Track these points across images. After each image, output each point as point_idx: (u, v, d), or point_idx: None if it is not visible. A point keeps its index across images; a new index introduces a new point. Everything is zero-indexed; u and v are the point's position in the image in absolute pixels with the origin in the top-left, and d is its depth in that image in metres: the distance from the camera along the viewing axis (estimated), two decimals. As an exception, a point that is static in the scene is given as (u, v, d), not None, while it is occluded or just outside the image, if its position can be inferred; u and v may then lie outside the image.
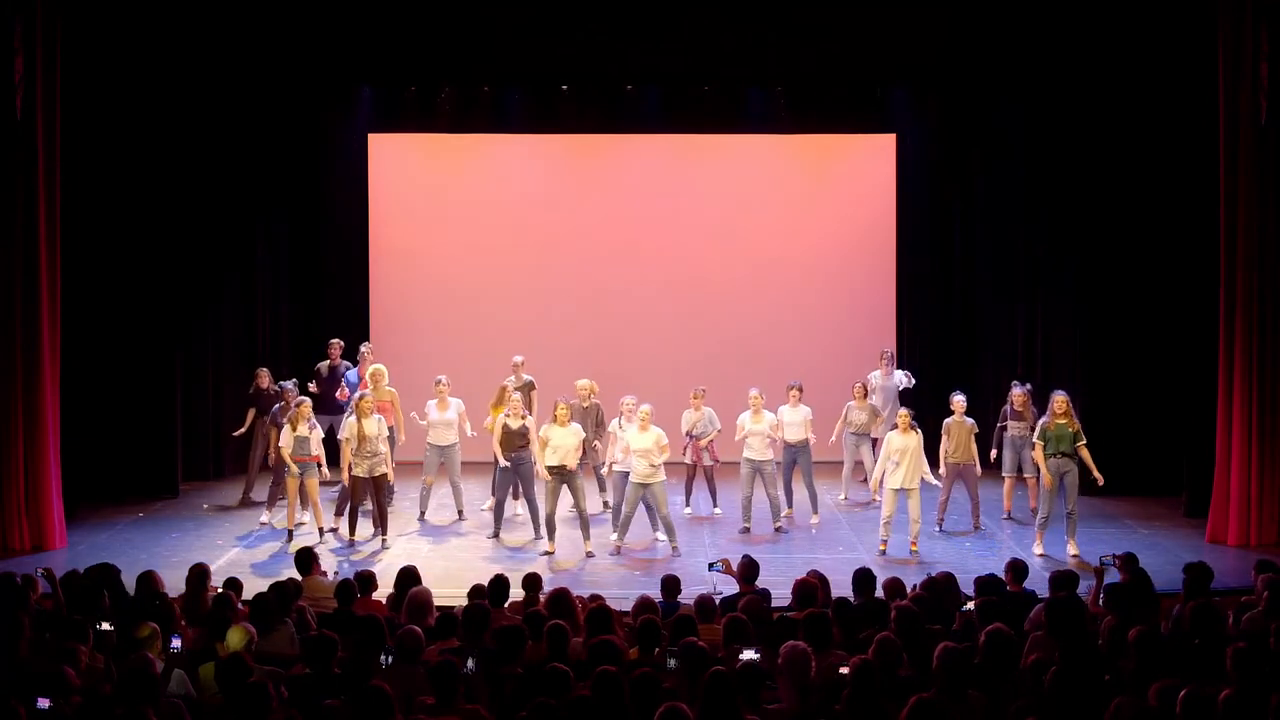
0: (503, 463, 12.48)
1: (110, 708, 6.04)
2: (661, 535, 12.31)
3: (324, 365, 14.33)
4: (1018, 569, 8.99)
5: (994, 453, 13.37)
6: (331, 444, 13.06)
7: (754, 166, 16.35)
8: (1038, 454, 11.90)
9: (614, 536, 12.29)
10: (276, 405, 13.27)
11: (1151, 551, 11.45)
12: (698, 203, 16.31)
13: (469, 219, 16.31)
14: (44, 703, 6.15)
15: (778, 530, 12.82)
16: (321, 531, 12.47)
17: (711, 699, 6.03)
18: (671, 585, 8.81)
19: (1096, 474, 11.85)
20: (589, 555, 11.97)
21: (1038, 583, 9.25)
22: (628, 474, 12.44)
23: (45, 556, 11.49)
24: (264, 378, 13.84)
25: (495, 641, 7.18)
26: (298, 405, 12.46)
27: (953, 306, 16.16)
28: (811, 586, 8.32)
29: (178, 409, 14.50)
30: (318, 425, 12.62)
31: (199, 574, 8.74)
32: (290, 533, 12.37)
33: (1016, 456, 13.14)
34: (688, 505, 13.53)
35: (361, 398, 12.40)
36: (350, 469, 12.21)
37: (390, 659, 6.94)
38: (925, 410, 13.74)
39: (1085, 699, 6.09)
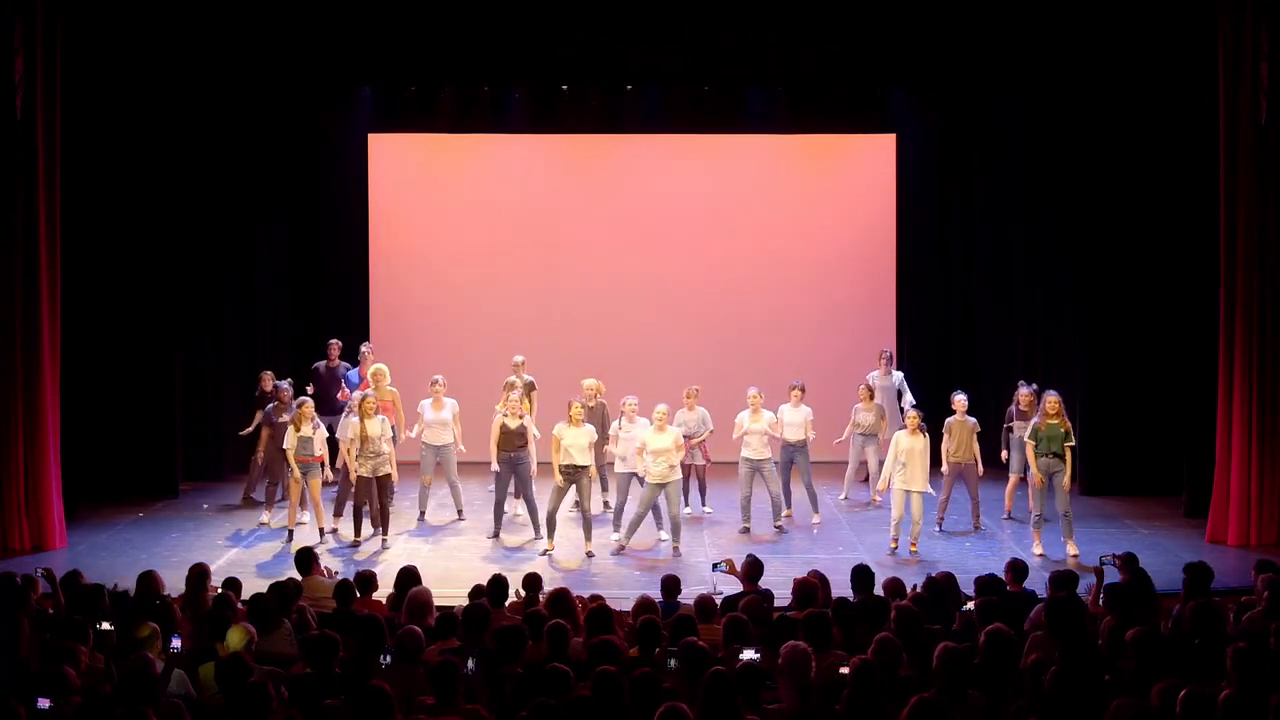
0: (494, 466, 12.47)
1: (110, 708, 6.04)
2: (665, 535, 12.31)
3: (322, 365, 14.33)
4: (1018, 569, 8.98)
5: (1005, 454, 13.36)
6: (330, 444, 13.06)
7: (754, 166, 16.36)
8: (1029, 453, 11.96)
9: (616, 536, 12.29)
10: (270, 405, 13.27)
11: (1151, 551, 11.45)
12: (697, 203, 16.31)
13: (469, 219, 16.32)
14: (44, 703, 6.15)
15: (778, 530, 12.82)
16: (322, 532, 12.47)
17: (711, 699, 6.03)
18: (671, 585, 8.81)
19: (1067, 477, 11.84)
20: (589, 555, 11.97)
21: (1038, 583, 9.26)
22: (632, 475, 12.44)
23: (45, 556, 11.48)
24: (267, 380, 13.83)
25: (495, 641, 7.18)
26: (299, 405, 12.46)
27: (953, 306, 16.16)
28: (811, 586, 8.32)
29: (178, 409, 14.50)
30: (321, 425, 12.63)
31: (199, 574, 8.73)
32: (290, 532, 12.37)
33: (1023, 456, 13.13)
34: (686, 505, 13.52)
35: (364, 398, 12.40)
36: (347, 468, 12.21)
37: (390, 659, 6.94)
38: (925, 410, 13.71)
39: (1085, 699, 6.08)
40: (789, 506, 13.34)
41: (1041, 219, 15.14)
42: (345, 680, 6.69)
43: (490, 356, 14.90)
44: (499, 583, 8.44)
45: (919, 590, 8.59)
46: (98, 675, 7.04)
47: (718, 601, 8.49)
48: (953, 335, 16.12)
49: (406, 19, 14.50)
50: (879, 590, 8.61)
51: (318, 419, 12.57)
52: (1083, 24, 13.94)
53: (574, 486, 12.09)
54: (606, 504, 13.52)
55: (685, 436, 12.99)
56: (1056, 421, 11.79)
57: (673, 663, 6.84)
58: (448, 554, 12.15)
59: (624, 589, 10.64)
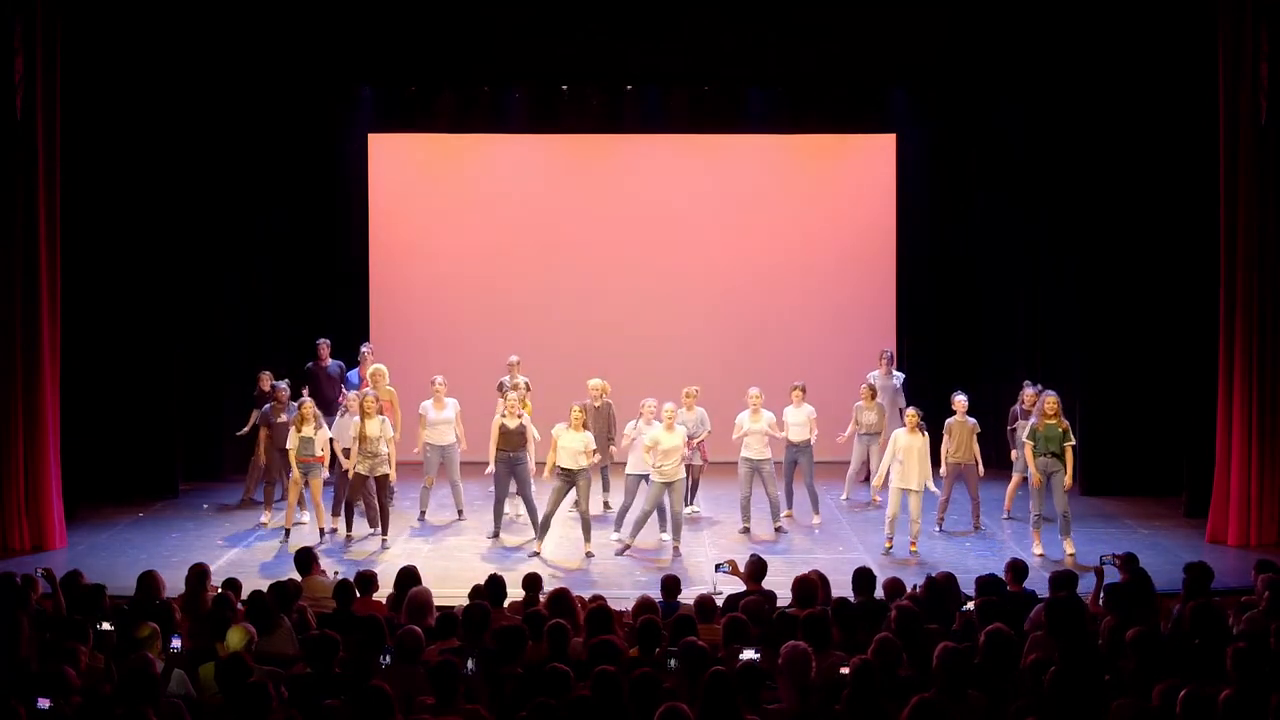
0: (491, 466, 12.47)
1: (110, 708, 6.04)
2: (667, 535, 12.31)
3: (312, 365, 14.31)
4: (1018, 569, 8.98)
5: (1015, 453, 13.33)
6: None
7: (754, 166, 16.35)
8: (1027, 453, 11.96)
9: (616, 536, 12.28)
10: (267, 405, 13.26)
11: (1151, 551, 11.45)
12: (698, 203, 16.31)
13: (469, 219, 16.32)
14: (44, 703, 6.15)
15: (778, 530, 12.82)
16: (322, 532, 12.46)
17: (711, 699, 6.03)
18: (671, 585, 8.81)
19: (1068, 477, 11.84)
20: (589, 555, 11.96)
21: (1038, 583, 9.26)
22: (641, 476, 12.40)
23: (45, 556, 11.48)
24: (265, 380, 13.82)
25: (495, 641, 7.18)
26: (299, 405, 12.46)
27: (953, 307, 16.16)
28: (811, 584, 8.31)
29: (177, 409, 14.50)
30: (324, 425, 12.63)
31: (199, 574, 8.74)
32: (287, 532, 12.37)
33: (1023, 456, 13.12)
34: (688, 504, 13.52)
35: (364, 397, 12.40)
36: (346, 465, 12.24)
37: (390, 659, 6.94)
38: (925, 410, 13.71)
39: (1085, 699, 6.08)
40: (790, 506, 13.34)
41: (1041, 219, 15.14)
42: (345, 680, 6.69)
43: (490, 356, 14.89)
44: (496, 583, 8.44)
45: (919, 590, 8.58)
46: (98, 675, 7.04)
47: (718, 602, 8.49)
48: (953, 336, 16.11)
49: (406, 19, 14.50)
50: (879, 593, 8.61)
51: (320, 419, 12.57)
52: (1082, 24, 13.95)
53: (573, 487, 12.09)
54: (607, 504, 13.51)
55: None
56: (1054, 422, 11.81)
57: (673, 663, 6.84)
58: (447, 554, 12.15)
59: (624, 589, 10.64)
